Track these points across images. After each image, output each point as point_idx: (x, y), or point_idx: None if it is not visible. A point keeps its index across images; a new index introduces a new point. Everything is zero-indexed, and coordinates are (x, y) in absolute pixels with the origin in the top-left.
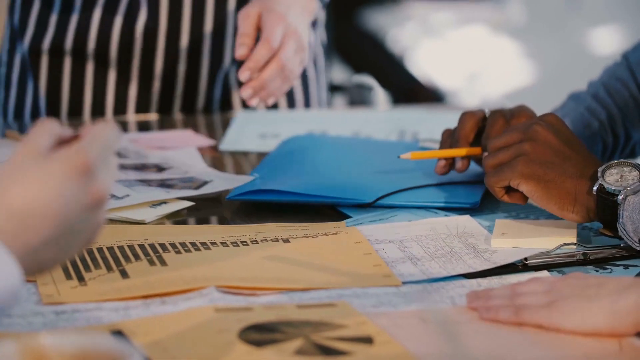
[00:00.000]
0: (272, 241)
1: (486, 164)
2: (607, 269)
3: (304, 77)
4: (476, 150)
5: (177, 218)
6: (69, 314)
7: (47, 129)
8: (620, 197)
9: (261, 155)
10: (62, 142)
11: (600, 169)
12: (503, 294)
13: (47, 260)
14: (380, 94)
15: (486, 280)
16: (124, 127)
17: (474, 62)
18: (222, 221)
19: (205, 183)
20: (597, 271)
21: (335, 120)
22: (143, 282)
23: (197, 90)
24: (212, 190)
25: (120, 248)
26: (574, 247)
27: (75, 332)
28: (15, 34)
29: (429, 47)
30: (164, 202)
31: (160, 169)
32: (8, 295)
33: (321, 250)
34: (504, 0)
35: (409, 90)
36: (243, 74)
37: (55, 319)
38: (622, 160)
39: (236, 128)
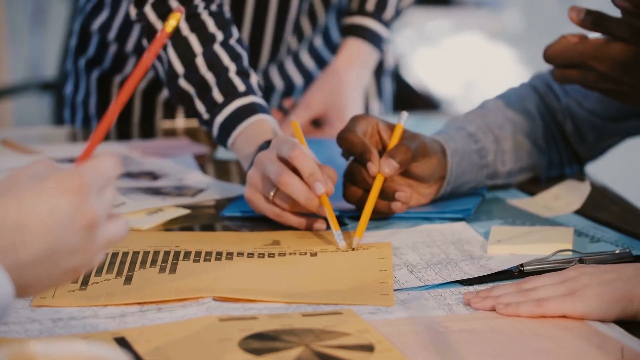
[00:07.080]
0: (301, 255)
1: None
2: None
3: None
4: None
5: (173, 226)
6: (65, 321)
7: (45, 163)
8: None
9: None
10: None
11: None
12: (511, 291)
13: (36, 278)
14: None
15: (482, 286)
16: (128, 135)
17: (470, 70)
18: (220, 228)
19: (200, 191)
20: None
21: None
22: (140, 289)
23: None
24: (207, 198)
25: (135, 254)
26: (570, 253)
27: (69, 340)
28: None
29: (425, 54)
30: (160, 209)
31: (154, 176)
32: None
33: (337, 264)
34: (501, 7)
35: (405, 98)
36: None
37: (51, 326)
38: None
39: None
